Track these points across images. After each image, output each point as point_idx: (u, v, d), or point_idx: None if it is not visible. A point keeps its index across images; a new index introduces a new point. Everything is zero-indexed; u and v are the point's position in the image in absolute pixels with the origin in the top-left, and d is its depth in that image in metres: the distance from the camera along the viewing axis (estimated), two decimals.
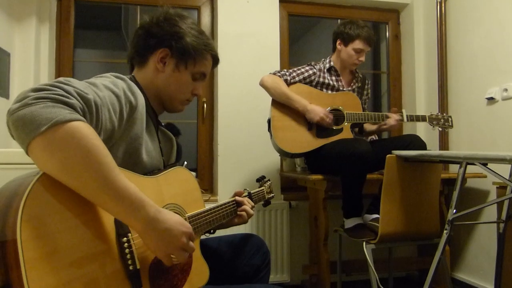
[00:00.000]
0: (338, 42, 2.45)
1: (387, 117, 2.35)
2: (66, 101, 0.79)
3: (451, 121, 2.42)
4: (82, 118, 0.80)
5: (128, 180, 0.84)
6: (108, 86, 0.95)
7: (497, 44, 2.48)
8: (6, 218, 0.69)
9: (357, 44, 2.38)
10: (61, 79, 0.84)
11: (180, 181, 1.17)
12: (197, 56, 1.21)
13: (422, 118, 2.41)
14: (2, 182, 0.79)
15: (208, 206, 1.27)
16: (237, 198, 1.41)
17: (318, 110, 2.27)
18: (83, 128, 0.78)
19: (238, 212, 1.40)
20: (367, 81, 2.61)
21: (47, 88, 0.79)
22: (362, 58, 2.41)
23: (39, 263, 0.70)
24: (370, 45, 2.40)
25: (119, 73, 1.08)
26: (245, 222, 1.42)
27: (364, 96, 2.58)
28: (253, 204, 1.46)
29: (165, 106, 1.27)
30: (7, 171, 1.62)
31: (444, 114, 2.44)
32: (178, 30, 1.19)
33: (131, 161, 1.03)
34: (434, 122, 2.40)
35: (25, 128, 0.75)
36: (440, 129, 2.44)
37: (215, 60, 1.30)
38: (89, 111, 0.84)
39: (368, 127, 2.54)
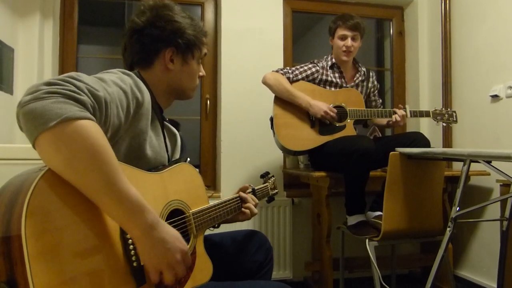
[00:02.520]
0: (330, 39, 2.51)
1: (393, 113, 2.34)
2: (77, 97, 0.79)
3: (456, 116, 2.40)
4: (91, 117, 0.80)
5: (131, 185, 0.84)
6: (116, 82, 0.95)
7: (501, 41, 2.47)
8: (11, 214, 0.69)
9: (340, 31, 2.41)
10: (72, 74, 0.84)
11: (184, 177, 1.17)
12: (199, 43, 1.25)
13: (425, 114, 2.40)
14: (5, 177, 0.79)
15: (212, 202, 1.27)
16: (241, 194, 1.42)
17: (321, 105, 2.27)
18: (91, 127, 0.78)
19: (243, 209, 1.41)
20: (371, 73, 2.60)
21: (59, 82, 0.79)
22: (348, 43, 2.38)
23: (44, 259, 0.70)
24: (353, 29, 2.38)
25: (123, 69, 1.08)
26: (248, 219, 1.43)
27: (370, 88, 2.57)
28: (257, 201, 1.47)
29: (178, 97, 1.29)
30: (10, 166, 1.63)
31: (449, 109, 2.42)
32: (178, 26, 1.19)
33: (135, 156, 1.04)
34: (438, 118, 2.38)
35: (34, 121, 0.75)
36: (444, 124, 2.43)
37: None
38: (99, 108, 0.84)
39: (376, 120, 2.53)
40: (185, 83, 1.25)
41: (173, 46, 1.19)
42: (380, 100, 2.67)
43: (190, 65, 1.24)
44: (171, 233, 0.91)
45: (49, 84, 0.78)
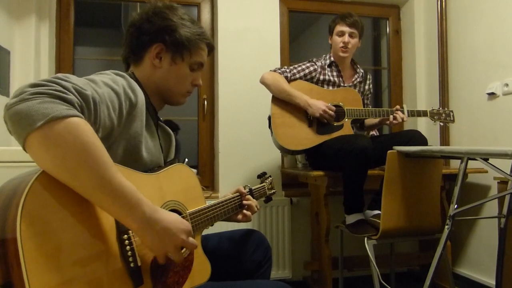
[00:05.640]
0: (329, 37, 2.53)
1: (390, 113, 2.34)
2: (64, 96, 0.78)
3: (453, 115, 2.40)
4: (80, 114, 0.79)
5: (125, 179, 0.83)
6: (107, 83, 0.95)
7: (498, 38, 2.48)
8: (6, 217, 0.69)
9: (338, 27, 2.44)
10: (59, 75, 0.84)
11: (180, 178, 1.17)
12: (192, 47, 1.21)
13: (423, 113, 2.40)
14: (2, 180, 0.79)
15: (210, 202, 1.27)
16: (240, 189, 1.43)
17: (319, 104, 2.27)
18: (80, 124, 0.78)
19: (244, 211, 1.41)
20: (368, 76, 2.61)
21: (44, 83, 0.79)
22: (346, 39, 2.40)
23: (40, 261, 0.70)
24: (350, 26, 2.40)
25: (119, 70, 1.08)
26: (249, 220, 1.43)
27: (365, 91, 2.57)
28: (256, 202, 1.47)
29: (166, 100, 1.27)
30: (7, 169, 1.62)
31: (446, 109, 2.43)
32: (169, 23, 1.18)
33: (131, 159, 1.03)
34: (435, 117, 2.38)
35: (21, 123, 0.74)
36: (441, 123, 2.43)
37: (210, 48, 1.29)
38: (87, 107, 0.83)
39: (369, 121, 2.53)
40: (172, 85, 1.22)
41: (160, 42, 1.18)
42: (370, 106, 2.67)
43: (178, 66, 1.21)
44: (171, 218, 0.92)
45: (34, 85, 0.78)
